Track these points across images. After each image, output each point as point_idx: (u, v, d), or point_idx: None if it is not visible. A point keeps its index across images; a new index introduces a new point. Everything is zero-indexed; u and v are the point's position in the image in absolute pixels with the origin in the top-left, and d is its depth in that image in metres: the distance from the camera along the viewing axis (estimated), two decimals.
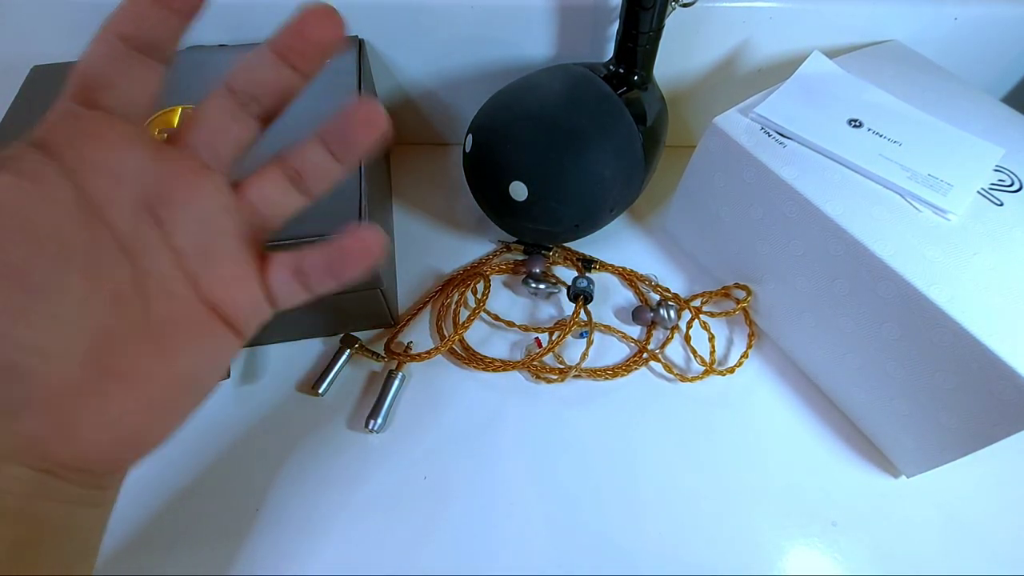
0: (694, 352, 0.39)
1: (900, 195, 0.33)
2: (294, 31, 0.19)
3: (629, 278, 0.43)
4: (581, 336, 0.40)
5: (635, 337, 0.40)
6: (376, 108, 0.20)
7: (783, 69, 0.41)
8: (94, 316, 0.18)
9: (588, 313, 0.40)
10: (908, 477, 0.34)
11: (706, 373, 0.38)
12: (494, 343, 0.40)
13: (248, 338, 0.21)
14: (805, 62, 0.40)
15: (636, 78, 0.39)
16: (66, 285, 0.17)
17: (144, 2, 0.17)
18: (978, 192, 0.33)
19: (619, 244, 0.45)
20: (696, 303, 0.41)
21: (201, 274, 0.20)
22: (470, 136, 0.39)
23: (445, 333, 0.40)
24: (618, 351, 0.40)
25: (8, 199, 0.16)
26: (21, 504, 0.17)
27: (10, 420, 0.16)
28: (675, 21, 0.37)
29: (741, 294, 0.40)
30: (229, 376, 0.37)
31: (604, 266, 0.43)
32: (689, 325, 0.40)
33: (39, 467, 0.17)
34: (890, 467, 0.35)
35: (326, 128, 0.21)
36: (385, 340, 0.39)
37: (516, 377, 0.38)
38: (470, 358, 0.38)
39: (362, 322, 0.39)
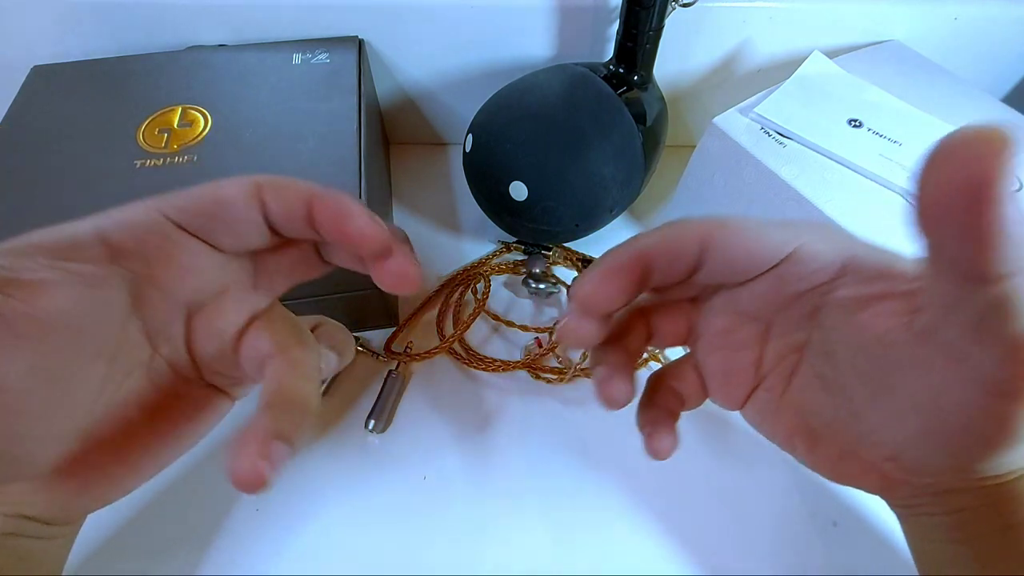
0: None
1: (900, 195, 0.33)
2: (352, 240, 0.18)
3: None
4: None
5: None
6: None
7: (783, 69, 0.41)
8: (104, 397, 0.18)
9: None
10: None
11: None
12: (494, 343, 0.40)
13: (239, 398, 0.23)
14: (805, 62, 0.40)
15: (636, 78, 0.39)
16: (90, 375, 0.18)
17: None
18: None
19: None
20: None
21: (207, 362, 0.21)
22: (470, 136, 0.39)
23: (445, 333, 0.40)
24: None
25: (68, 309, 0.16)
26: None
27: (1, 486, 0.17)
28: (675, 21, 0.37)
29: None
30: None
31: None
32: None
33: (17, 515, 0.18)
34: None
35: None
36: (385, 340, 0.39)
37: (516, 377, 0.38)
38: (470, 358, 0.38)
39: (362, 322, 0.39)
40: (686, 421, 0.37)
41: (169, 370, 0.20)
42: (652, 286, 0.19)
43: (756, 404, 0.23)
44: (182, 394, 0.21)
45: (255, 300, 0.21)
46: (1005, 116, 0.38)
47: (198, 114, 0.36)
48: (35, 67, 0.40)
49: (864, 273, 0.18)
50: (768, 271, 0.19)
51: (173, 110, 0.37)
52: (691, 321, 0.23)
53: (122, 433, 0.19)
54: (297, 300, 0.35)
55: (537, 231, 0.40)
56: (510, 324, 0.40)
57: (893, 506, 0.22)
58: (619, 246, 0.19)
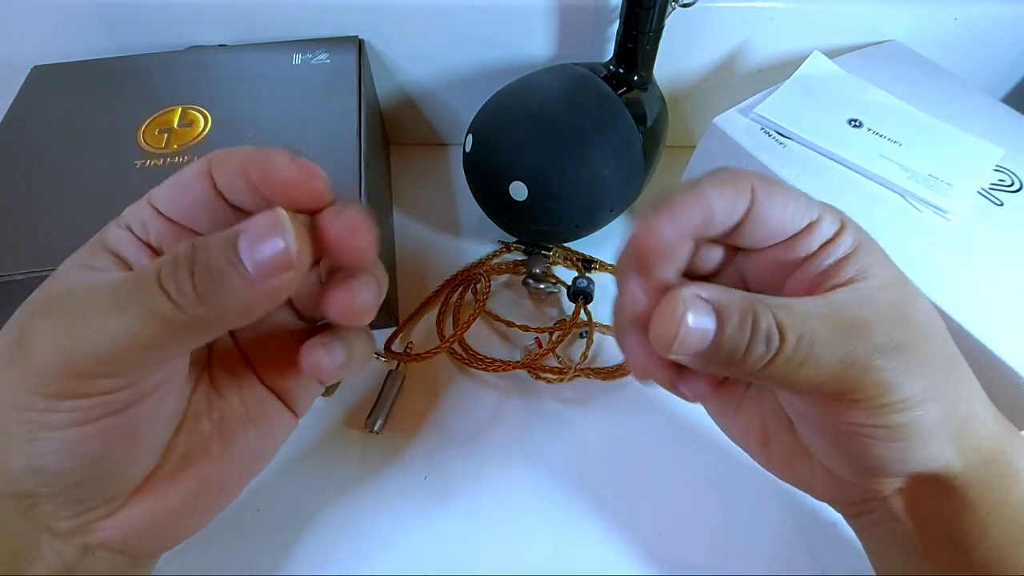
0: None
1: (900, 195, 0.33)
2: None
3: None
4: (581, 336, 0.40)
5: None
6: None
7: (783, 69, 0.41)
8: (186, 437, 0.20)
9: (588, 313, 0.40)
10: None
11: None
12: (494, 343, 0.40)
13: (303, 414, 0.24)
14: (805, 62, 0.40)
15: (636, 78, 0.39)
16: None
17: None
18: (978, 192, 0.33)
19: (619, 244, 0.45)
20: None
21: (263, 368, 0.22)
22: (470, 136, 0.39)
23: (445, 333, 0.40)
24: (618, 351, 0.40)
25: None
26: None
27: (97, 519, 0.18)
28: (675, 21, 0.37)
29: None
30: None
31: (604, 266, 0.43)
32: None
33: (112, 550, 0.19)
34: None
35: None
36: (385, 340, 0.39)
37: (516, 377, 0.38)
38: (470, 358, 0.38)
39: None
40: (685, 423, 0.37)
41: (231, 394, 0.21)
42: (709, 234, 0.19)
43: (718, 399, 0.24)
44: (249, 408, 0.21)
45: None
46: (1005, 116, 0.38)
47: (198, 114, 0.36)
48: (35, 67, 0.39)
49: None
50: (783, 241, 0.19)
51: (173, 110, 0.37)
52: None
53: (204, 467, 0.20)
54: None
55: (537, 231, 0.40)
56: (510, 324, 0.40)
57: (851, 518, 0.22)
58: (682, 190, 0.18)
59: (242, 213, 0.19)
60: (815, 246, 0.19)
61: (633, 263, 0.19)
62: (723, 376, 0.23)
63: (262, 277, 0.15)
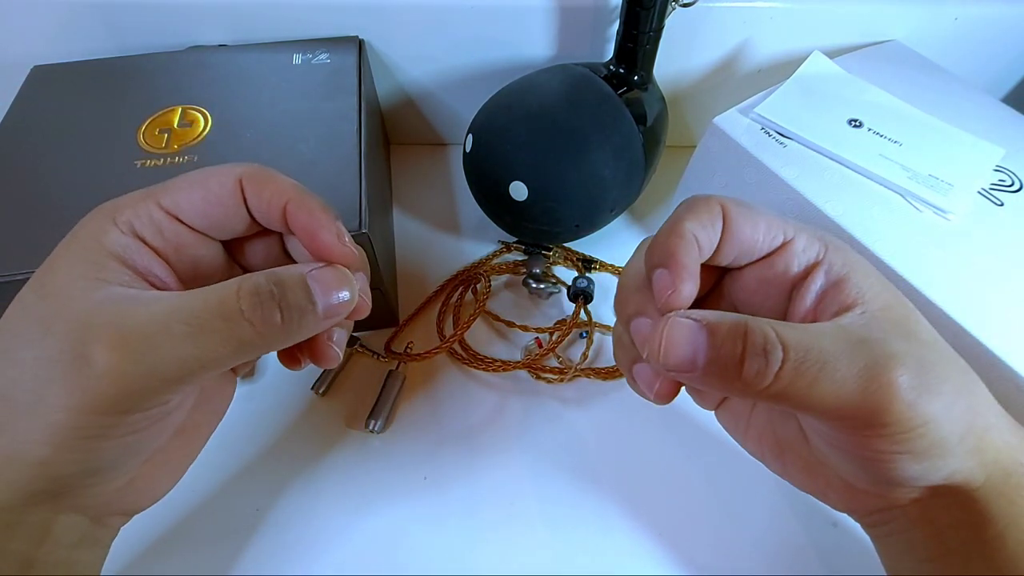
0: None
1: (900, 195, 0.33)
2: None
3: None
4: (581, 336, 0.40)
5: None
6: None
7: (783, 69, 0.41)
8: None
9: (588, 313, 0.40)
10: None
11: None
12: (494, 343, 0.40)
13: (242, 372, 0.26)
14: (805, 62, 0.40)
15: (636, 78, 0.39)
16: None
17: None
18: (978, 192, 0.33)
19: (619, 244, 0.45)
20: None
21: None
22: (470, 136, 0.39)
23: (445, 333, 0.40)
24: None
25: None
26: (68, 554, 0.19)
27: (106, 485, 0.19)
28: (675, 21, 0.37)
29: None
30: None
31: (604, 266, 0.43)
32: None
33: (95, 516, 0.20)
34: None
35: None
36: (385, 340, 0.39)
37: (516, 377, 0.38)
38: (470, 358, 0.38)
39: (362, 322, 0.39)
40: (685, 423, 0.37)
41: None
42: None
43: (730, 409, 0.24)
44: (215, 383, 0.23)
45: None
46: (1005, 116, 0.38)
47: (198, 114, 0.36)
48: (35, 67, 0.39)
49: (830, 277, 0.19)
50: (761, 259, 0.20)
51: (173, 110, 0.37)
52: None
53: (190, 425, 0.22)
54: None
55: (537, 231, 0.40)
56: (510, 324, 0.40)
57: (868, 527, 0.22)
58: (665, 235, 0.19)
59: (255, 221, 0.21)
60: (795, 266, 0.19)
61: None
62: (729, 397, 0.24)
63: (328, 316, 0.19)
